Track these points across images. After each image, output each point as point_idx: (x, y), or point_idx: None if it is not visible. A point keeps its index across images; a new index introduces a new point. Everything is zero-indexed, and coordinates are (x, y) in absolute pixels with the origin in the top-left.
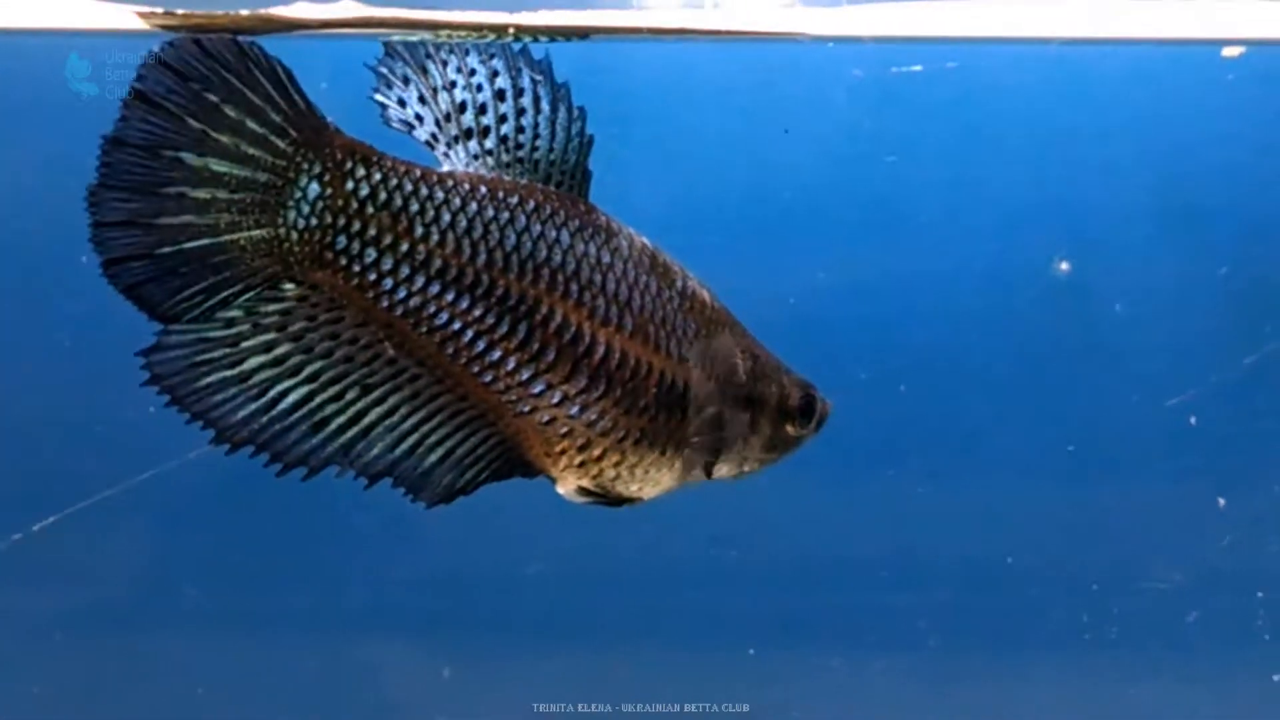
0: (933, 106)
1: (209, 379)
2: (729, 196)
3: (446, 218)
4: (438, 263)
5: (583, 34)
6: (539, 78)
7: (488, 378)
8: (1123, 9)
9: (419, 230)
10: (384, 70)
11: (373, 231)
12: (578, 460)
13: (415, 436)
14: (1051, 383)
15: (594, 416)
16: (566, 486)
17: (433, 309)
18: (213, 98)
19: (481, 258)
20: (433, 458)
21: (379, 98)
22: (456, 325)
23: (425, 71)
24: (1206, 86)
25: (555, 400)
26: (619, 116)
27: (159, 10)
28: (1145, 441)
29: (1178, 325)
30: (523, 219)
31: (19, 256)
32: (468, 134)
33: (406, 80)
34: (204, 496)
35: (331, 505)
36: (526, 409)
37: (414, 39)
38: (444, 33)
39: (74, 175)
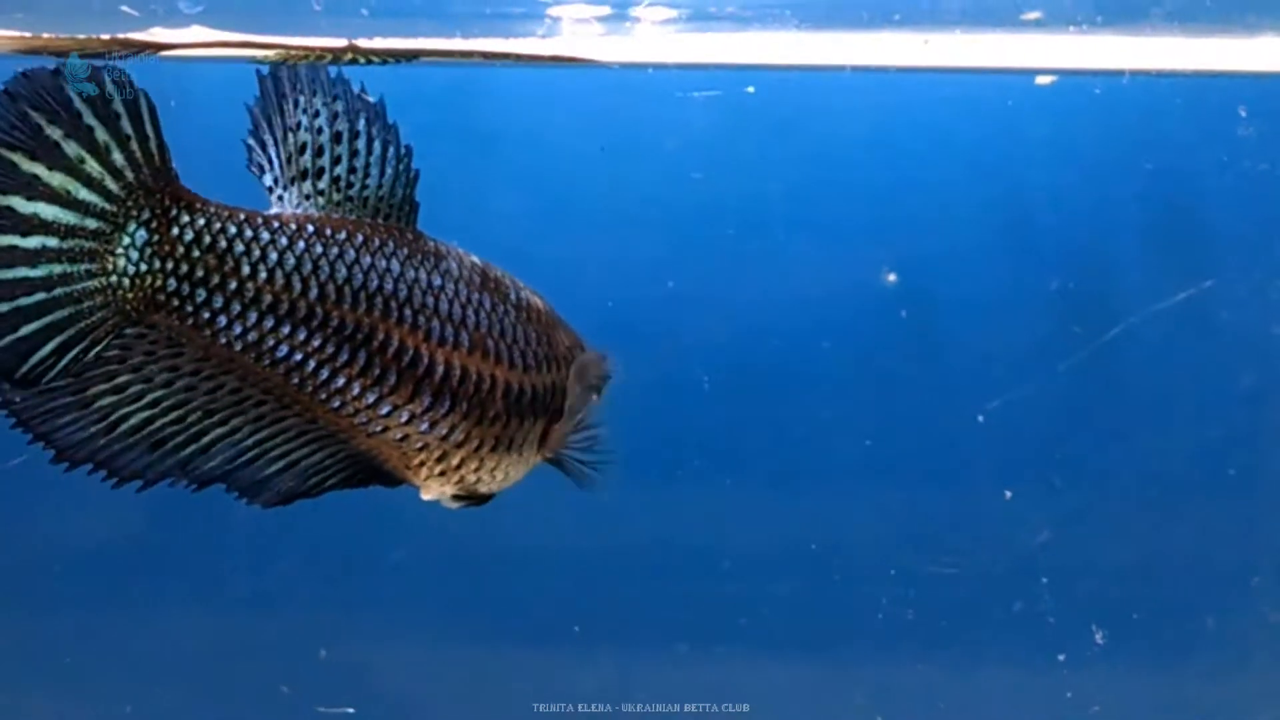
0: (773, 127)
1: (53, 404)
2: (576, 209)
3: (274, 256)
4: (268, 299)
5: (411, 56)
6: (373, 118)
7: (335, 403)
8: (949, 42)
9: (246, 269)
10: (256, 112)
11: (200, 273)
12: (437, 470)
13: (256, 451)
14: (875, 388)
15: (445, 431)
16: (431, 493)
17: (270, 342)
18: (55, 134)
19: (313, 291)
20: (273, 469)
21: (251, 142)
22: (297, 356)
23: (282, 111)
24: (1026, 113)
25: (404, 419)
26: (484, 134)
27: (14, 34)
28: (956, 442)
29: (1009, 336)
30: (351, 252)
31: None
32: (303, 174)
33: (270, 121)
34: None
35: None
36: (378, 429)
37: (262, 59)
38: (295, 52)
39: None
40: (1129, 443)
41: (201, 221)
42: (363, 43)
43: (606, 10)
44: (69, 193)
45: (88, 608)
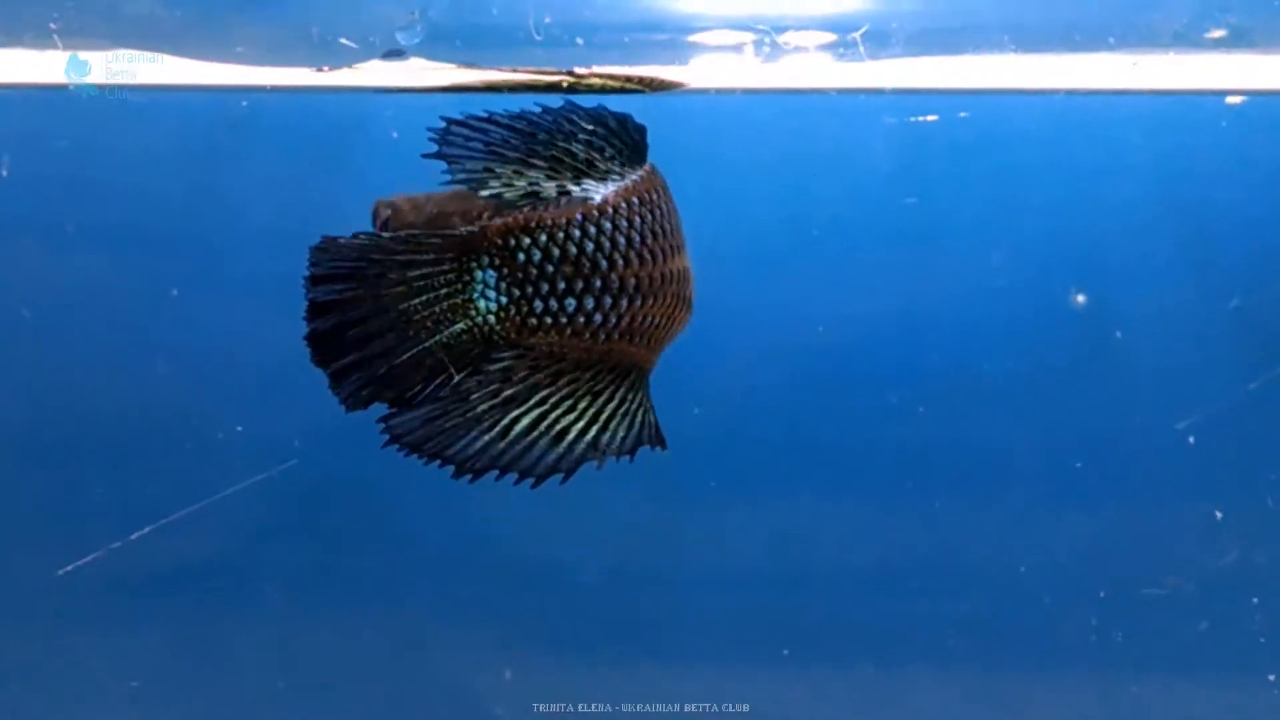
0: (959, 153)
1: (444, 427)
2: (768, 232)
3: (623, 241)
4: (633, 282)
5: (647, 85)
6: (574, 113)
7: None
8: (1132, 63)
9: (606, 266)
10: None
11: (562, 284)
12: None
13: (641, 410)
14: (1067, 406)
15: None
16: None
17: (640, 319)
18: (373, 272)
19: (659, 258)
20: (653, 416)
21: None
22: (657, 320)
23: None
24: (1214, 133)
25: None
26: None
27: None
28: (1153, 460)
29: (1189, 354)
30: (663, 206)
31: (120, 293)
32: (579, 173)
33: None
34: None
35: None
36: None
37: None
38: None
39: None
40: None
41: (543, 238)
42: (579, 71)
43: (828, 37)
44: (411, 286)
45: (276, 628)
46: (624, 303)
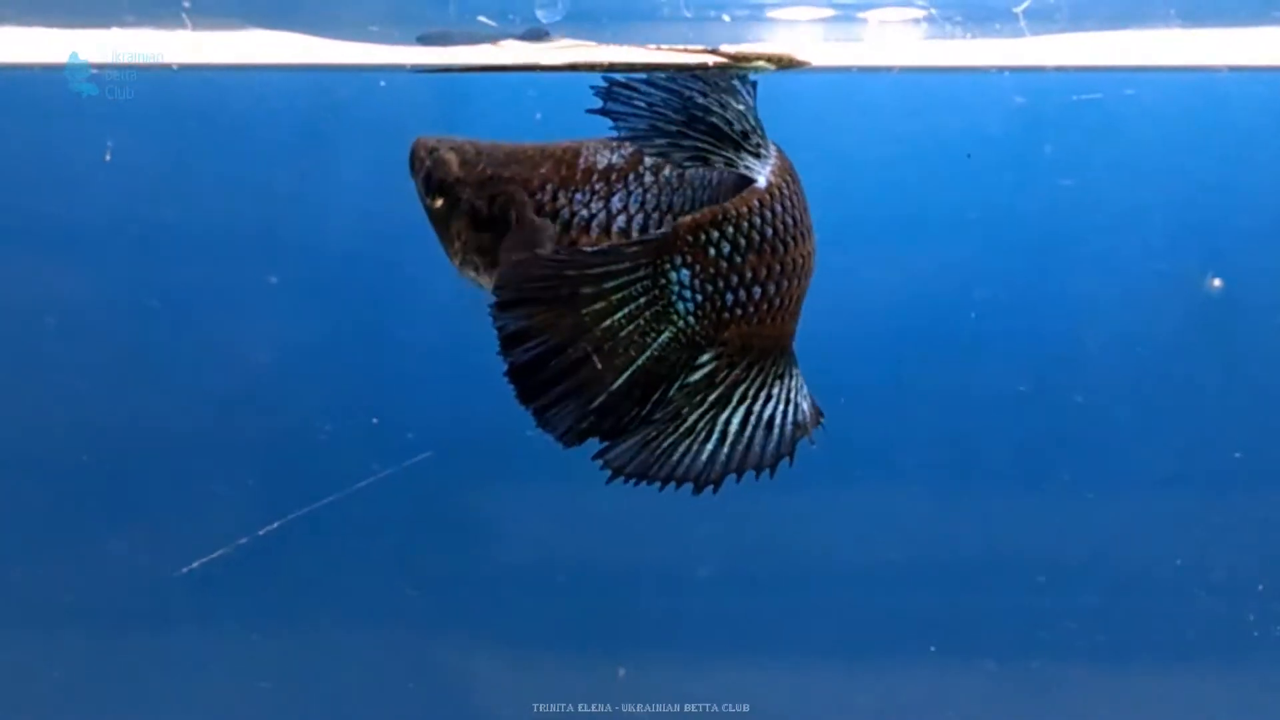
0: (1097, 132)
1: (660, 447)
2: (899, 215)
3: (790, 222)
4: (800, 260)
5: (786, 64)
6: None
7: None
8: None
9: (781, 249)
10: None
11: (749, 273)
12: None
13: (803, 382)
14: (1208, 392)
15: None
16: None
17: (801, 293)
18: (566, 291)
19: (809, 235)
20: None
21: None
22: (805, 292)
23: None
24: None
25: None
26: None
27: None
28: None
29: None
30: (799, 182)
31: (231, 285)
32: (737, 145)
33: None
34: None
35: None
36: None
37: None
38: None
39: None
40: None
41: (730, 229)
42: (726, 49)
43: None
44: (610, 299)
45: (365, 638)
46: (794, 282)
